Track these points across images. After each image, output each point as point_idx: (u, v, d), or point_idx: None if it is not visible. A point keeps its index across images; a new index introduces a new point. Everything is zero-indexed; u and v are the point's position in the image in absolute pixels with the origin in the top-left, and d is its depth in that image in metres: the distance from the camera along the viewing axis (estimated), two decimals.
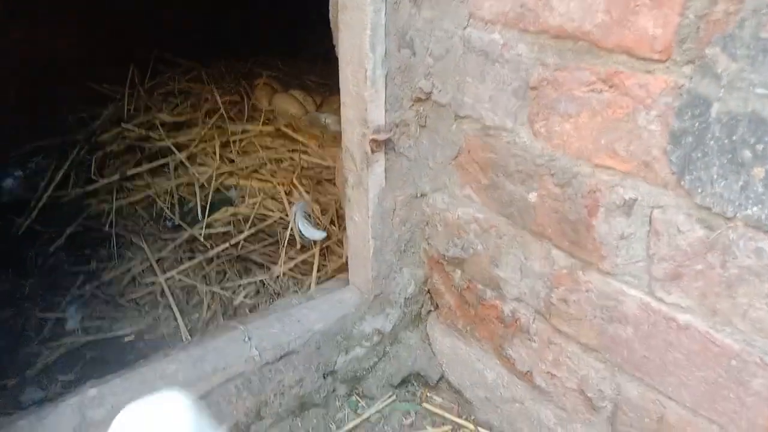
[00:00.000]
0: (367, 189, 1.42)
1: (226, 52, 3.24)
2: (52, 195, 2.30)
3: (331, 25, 1.40)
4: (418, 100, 1.33)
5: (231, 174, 2.26)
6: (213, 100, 2.62)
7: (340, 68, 1.35)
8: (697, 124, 0.87)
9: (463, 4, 1.16)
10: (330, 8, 1.37)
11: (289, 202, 2.19)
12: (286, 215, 2.18)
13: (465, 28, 1.18)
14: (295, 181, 2.12)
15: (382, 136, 1.34)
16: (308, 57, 3.44)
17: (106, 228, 2.16)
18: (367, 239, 1.48)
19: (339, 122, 2.72)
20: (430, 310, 1.62)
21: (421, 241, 1.54)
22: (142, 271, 2.02)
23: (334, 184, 2.32)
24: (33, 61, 2.69)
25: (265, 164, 2.29)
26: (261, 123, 2.45)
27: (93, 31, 2.82)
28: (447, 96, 1.27)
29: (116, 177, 2.26)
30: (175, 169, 2.30)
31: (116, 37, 2.86)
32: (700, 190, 0.89)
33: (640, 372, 1.09)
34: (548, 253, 1.18)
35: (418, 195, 1.46)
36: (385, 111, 1.34)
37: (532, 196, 1.17)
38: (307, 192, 2.22)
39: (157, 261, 2.03)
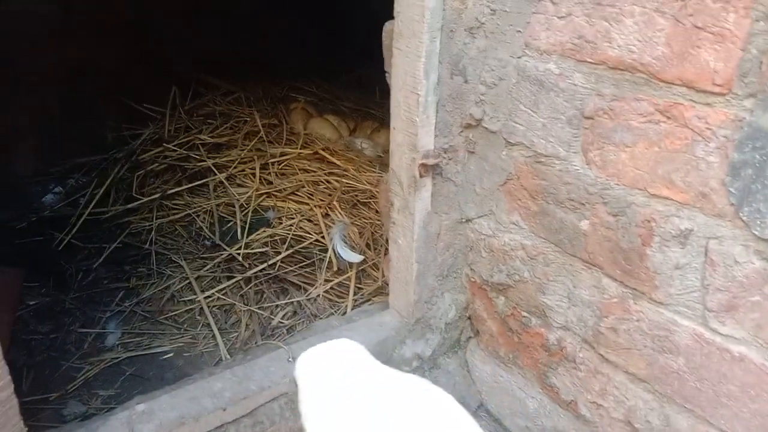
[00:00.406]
0: (413, 213, 1.45)
1: (263, 75, 3.33)
2: (93, 211, 2.37)
3: (384, 52, 1.45)
4: (468, 126, 1.37)
5: (269, 195, 2.32)
6: (252, 123, 2.69)
7: (391, 94, 1.40)
8: (757, 157, 0.89)
9: (519, 34, 1.20)
10: (383, 35, 1.43)
11: (326, 225, 2.23)
12: (323, 237, 2.22)
13: (520, 57, 1.21)
14: (335, 203, 2.16)
15: (430, 161, 1.37)
16: (343, 83, 3.52)
17: (146, 246, 2.22)
18: (411, 263, 1.51)
19: (374, 147, 2.78)
20: (470, 337, 1.63)
21: (463, 266, 1.56)
22: (181, 289, 2.06)
23: (370, 207, 2.37)
24: (76, 77, 2.78)
25: (303, 186, 2.34)
26: (299, 146, 2.51)
27: (135, 49, 2.92)
28: (498, 123, 1.30)
29: (157, 195, 2.32)
30: (215, 189, 2.36)
31: (158, 57, 2.96)
32: (759, 222, 0.91)
33: (690, 404, 1.09)
34: (598, 282, 1.20)
35: (463, 220, 1.49)
36: (435, 136, 1.38)
37: (584, 224, 1.19)
38: (344, 215, 2.26)
39: (196, 279, 2.08)
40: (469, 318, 1.61)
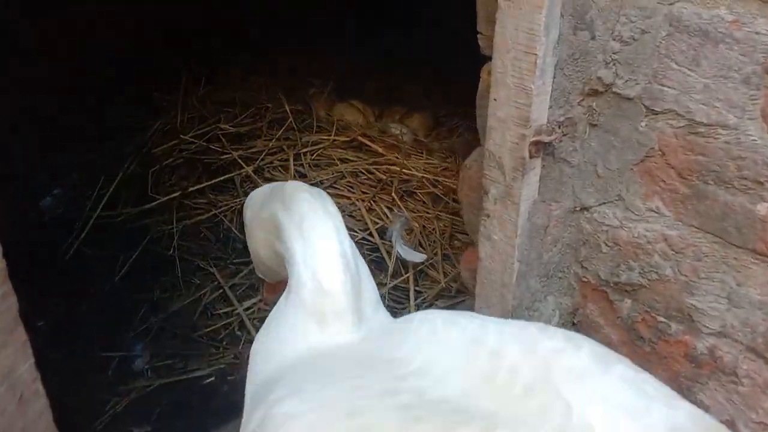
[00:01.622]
0: (517, 203, 1.24)
1: (276, 51, 3.10)
2: (102, 214, 2.13)
3: (478, 5, 1.23)
4: (593, 93, 1.15)
5: None
6: (275, 109, 2.45)
7: (494, 56, 1.17)
8: None
9: None
10: None
11: (372, 221, 2.01)
12: (370, 234, 2.00)
13: (673, 3, 1.00)
14: (392, 194, 1.94)
15: (546, 138, 1.16)
16: (365, 58, 3.28)
17: (169, 252, 1.98)
18: (511, 262, 1.29)
19: (410, 132, 2.56)
20: None
21: (571, 264, 1.35)
22: (214, 300, 1.84)
23: (417, 198, 2.15)
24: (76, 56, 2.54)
25: (343, 177, 2.11)
26: (333, 133, 2.28)
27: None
28: (636, 87, 1.09)
29: (177, 194, 2.09)
30: (242, 184, 2.13)
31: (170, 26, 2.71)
32: None
33: None
34: None
35: (577, 209, 1.28)
36: (549, 107, 1.17)
37: (761, 208, 0.98)
38: (391, 209, 2.04)
39: (230, 288, 1.85)
40: (576, 324, 1.40)
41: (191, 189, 2.12)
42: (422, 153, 2.27)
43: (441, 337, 0.67)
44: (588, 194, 1.24)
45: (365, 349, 0.74)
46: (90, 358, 1.69)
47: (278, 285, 1.06)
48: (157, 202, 2.09)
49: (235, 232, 2.04)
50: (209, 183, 2.14)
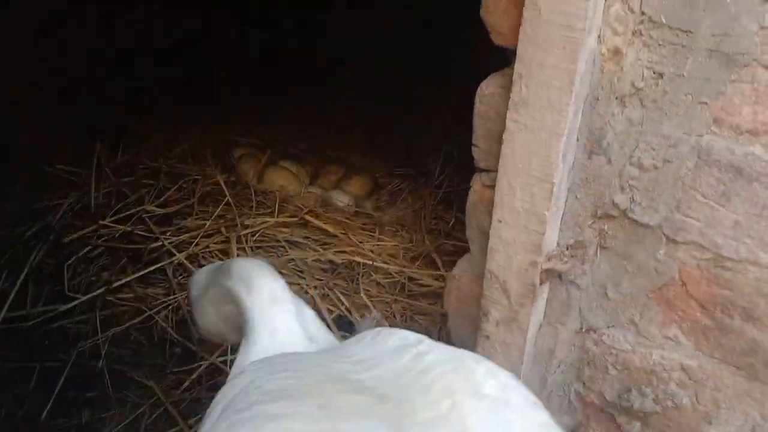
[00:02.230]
0: (524, 329, 1.16)
1: (197, 112, 2.89)
2: (7, 316, 1.85)
3: (475, 120, 1.15)
4: (606, 216, 1.10)
5: None
6: (205, 181, 2.25)
7: (499, 177, 1.10)
8: None
9: (703, 106, 0.95)
10: (477, 98, 1.14)
11: (328, 310, 1.87)
12: (327, 325, 1.85)
13: (701, 135, 0.96)
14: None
15: (560, 266, 1.09)
16: (286, 120, 3.15)
17: (94, 361, 1.74)
18: None
19: (352, 201, 2.44)
20: None
21: (572, 382, 1.29)
22: (155, 419, 1.62)
23: (373, 280, 2.03)
24: None
25: (291, 260, 1.96)
26: (276, 210, 2.12)
27: (42, 90, 2.40)
28: (655, 216, 1.05)
29: (100, 291, 1.84)
30: (174, 275, 1.92)
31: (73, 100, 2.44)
32: None
33: None
34: None
35: (583, 329, 1.22)
36: (559, 230, 1.10)
37: None
38: (347, 294, 1.91)
39: (173, 404, 1.64)
40: None
41: (116, 284, 1.88)
42: (371, 228, 2.16)
43: (379, 339, 0.75)
44: (596, 316, 1.19)
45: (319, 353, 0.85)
46: None
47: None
48: (77, 301, 1.84)
49: (172, 333, 1.83)
50: (136, 275, 1.91)
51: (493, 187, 1.15)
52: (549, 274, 1.11)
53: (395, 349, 0.71)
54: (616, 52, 0.99)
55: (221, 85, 3.35)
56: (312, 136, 3.02)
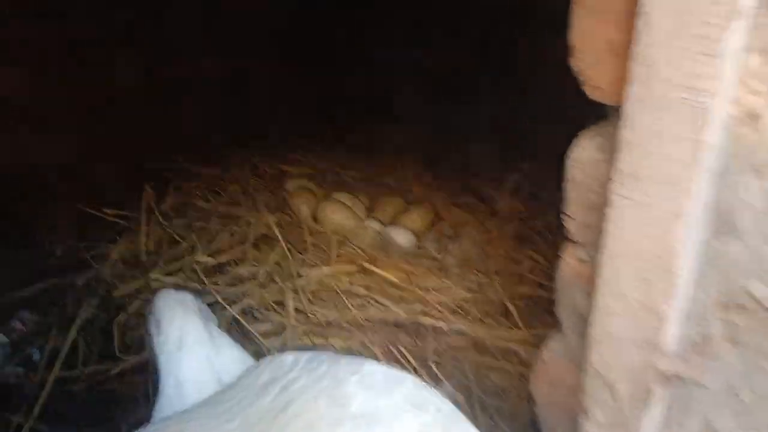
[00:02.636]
0: None
1: (246, 149, 2.79)
2: (59, 377, 1.77)
3: (570, 191, 0.98)
4: (737, 307, 0.91)
5: (305, 333, 1.78)
6: (258, 223, 2.14)
7: (601, 260, 0.92)
8: None
9: None
10: (571, 164, 0.96)
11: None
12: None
13: None
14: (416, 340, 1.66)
15: (683, 370, 0.91)
16: (336, 145, 3.02)
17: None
18: None
19: (411, 239, 2.27)
20: None
21: None
22: None
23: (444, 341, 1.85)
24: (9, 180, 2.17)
25: (352, 315, 1.82)
26: (333, 257, 1.98)
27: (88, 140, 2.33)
28: None
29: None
30: (229, 329, 1.81)
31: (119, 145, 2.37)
32: None
33: None
34: None
35: None
36: (681, 326, 0.92)
37: None
38: (409, 352, 1.76)
39: None
40: None
41: None
42: (436, 272, 2.00)
43: (255, 374, 0.74)
44: (725, 421, 0.99)
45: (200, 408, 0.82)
46: None
47: None
48: (126, 363, 1.75)
49: None
50: None
51: (590, 263, 0.98)
52: (668, 378, 0.93)
53: (265, 384, 0.72)
54: (753, 116, 0.80)
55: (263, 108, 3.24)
56: (364, 163, 2.88)
